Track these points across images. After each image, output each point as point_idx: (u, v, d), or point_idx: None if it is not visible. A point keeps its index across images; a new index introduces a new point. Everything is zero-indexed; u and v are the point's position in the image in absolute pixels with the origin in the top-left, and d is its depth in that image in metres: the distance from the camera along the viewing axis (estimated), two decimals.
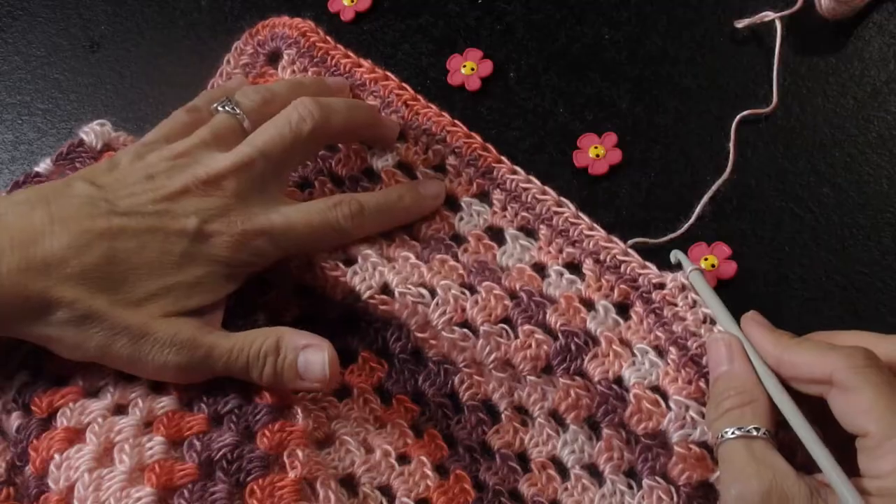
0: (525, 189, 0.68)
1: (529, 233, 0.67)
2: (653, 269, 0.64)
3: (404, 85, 0.72)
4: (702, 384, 0.59)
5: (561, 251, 0.66)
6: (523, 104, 0.74)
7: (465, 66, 0.77)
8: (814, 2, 0.75)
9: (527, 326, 0.62)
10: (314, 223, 0.61)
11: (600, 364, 0.61)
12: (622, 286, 0.64)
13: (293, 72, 0.74)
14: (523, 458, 0.61)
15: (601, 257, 0.65)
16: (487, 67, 0.77)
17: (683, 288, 0.63)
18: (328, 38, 0.74)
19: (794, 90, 0.73)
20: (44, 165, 0.63)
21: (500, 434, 0.62)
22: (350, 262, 0.64)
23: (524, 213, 0.67)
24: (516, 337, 0.62)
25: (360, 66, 0.73)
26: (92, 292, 0.54)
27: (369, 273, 0.63)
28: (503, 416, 0.62)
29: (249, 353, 0.57)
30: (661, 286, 0.64)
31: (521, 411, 0.63)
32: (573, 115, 0.73)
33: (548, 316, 0.63)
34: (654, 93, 0.74)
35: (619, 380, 0.61)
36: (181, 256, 0.57)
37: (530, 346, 0.62)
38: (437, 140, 0.69)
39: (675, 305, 0.63)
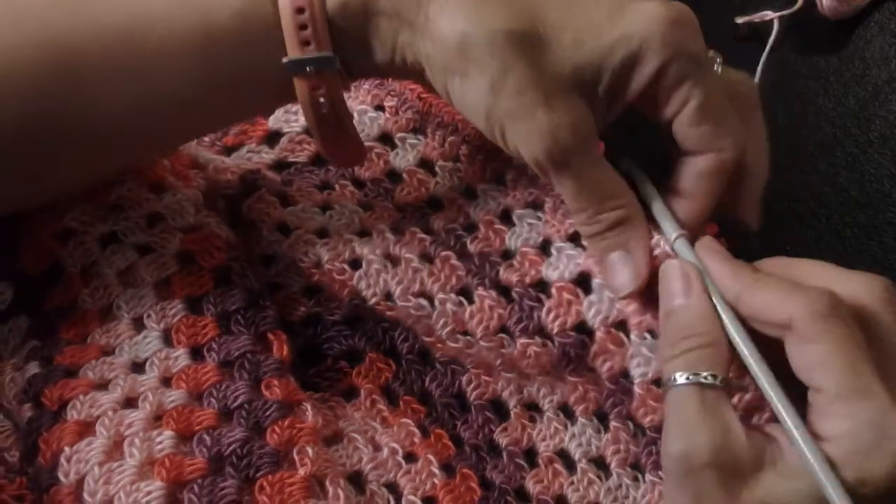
0: None
1: (537, 206, 0.64)
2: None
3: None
4: None
5: (564, 220, 0.62)
6: None
7: None
8: (815, 1, 0.75)
9: (523, 340, 0.60)
10: None
11: (604, 361, 0.59)
12: None
13: None
14: (530, 455, 0.61)
15: None
16: None
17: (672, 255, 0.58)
18: None
19: (795, 89, 0.74)
20: None
21: (509, 431, 0.62)
22: (356, 263, 0.63)
23: (532, 189, 0.64)
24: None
25: None
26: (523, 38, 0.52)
27: (373, 279, 0.62)
28: (512, 413, 0.62)
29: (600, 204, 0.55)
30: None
31: (530, 408, 0.62)
32: None
33: (543, 317, 0.59)
34: None
35: (625, 373, 0.58)
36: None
37: (530, 356, 0.60)
38: (451, 131, 0.68)
39: None
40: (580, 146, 0.54)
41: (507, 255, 0.62)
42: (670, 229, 0.57)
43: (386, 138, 0.69)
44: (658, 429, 0.57)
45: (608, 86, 0.54)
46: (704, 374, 0.50)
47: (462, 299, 0.61)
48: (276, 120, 0.72)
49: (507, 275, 0.61)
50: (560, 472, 0.61)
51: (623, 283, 0.56)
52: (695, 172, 0.57)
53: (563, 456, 0.61)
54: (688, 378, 0.50)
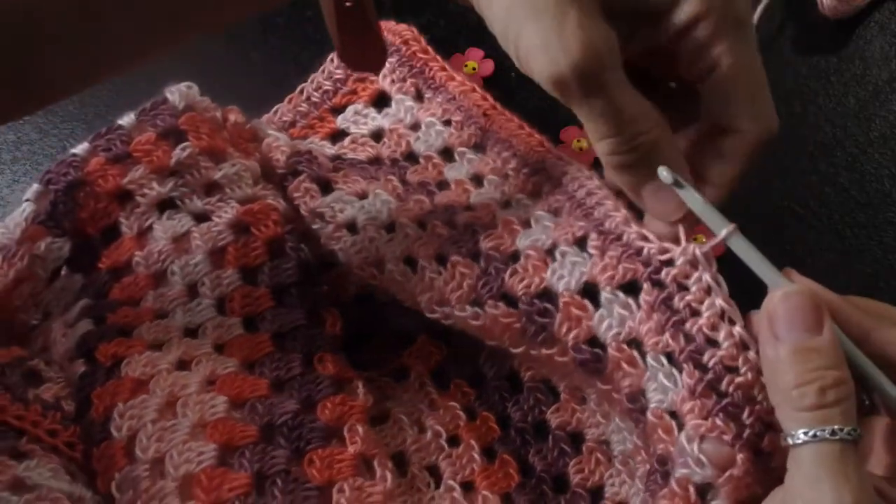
0: (564, 172, 0.62)
1: (557, 213, 0.61)
2: (653, 240, 0.54)
3: (486, 95, 0.71)
4: (718, 421, 0.48)
5: (574, 223, 0.58)
6: (524, 103, 0.73)
7: (466, 66, 0.79)
8: (816, 1, 0.78)
9: (544, 350, 0.57)
10: None
11: (623, 377, 0.54)
12: (626, 264, 0.54)
13: (392, 81, 0.74)
14: (576, 441, 0.62)
15: (605, 226, 0.56)
16: (489, 67, 0.80)
17: (695, 264, 0.51)
18: (429, 48, 0.73)
19: (795, 89, 0.76)
20: (127, 119, 0.63)
21: (560, 413, 0.63)
22: (381, 266, 0.62)
23: (559, 197, 0.62)
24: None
25: (453, 79, 0.72)
26: None
27: (398, 287, 0.61)
28: (562, 396, 0.63)
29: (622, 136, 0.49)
30: (670, 262, 0.52)
31: (579, 389, 0.63)
32: (574, 114, 0.74)
33: (555, 328, 0.56)
34: None
35: (644, 392, 0.53)
36: None
37: (555, 360, 0.57)
38: (506, 147, 0.67)
39: (687, 290, 0.51)
40: (615, 60, 0.48)
41: (515, 257, 0.58)
42: (718, 223, 0.50)
43: (447, 152, 0.70)
44: (664, 460, 0.52)
45: (645, 15, 0.50)
46: (858, 431, 0.44)
47: (478, 310, 0.58)
48: (344, 119, 0.74)
49: (511, 282, 0.57)
50: (601, 462, 0.62)
51: (671, 209, 0.51)
52: (713, 152, 0.53)
53: (607, 446, 0.62)
54: (848, 433, 0.43)
